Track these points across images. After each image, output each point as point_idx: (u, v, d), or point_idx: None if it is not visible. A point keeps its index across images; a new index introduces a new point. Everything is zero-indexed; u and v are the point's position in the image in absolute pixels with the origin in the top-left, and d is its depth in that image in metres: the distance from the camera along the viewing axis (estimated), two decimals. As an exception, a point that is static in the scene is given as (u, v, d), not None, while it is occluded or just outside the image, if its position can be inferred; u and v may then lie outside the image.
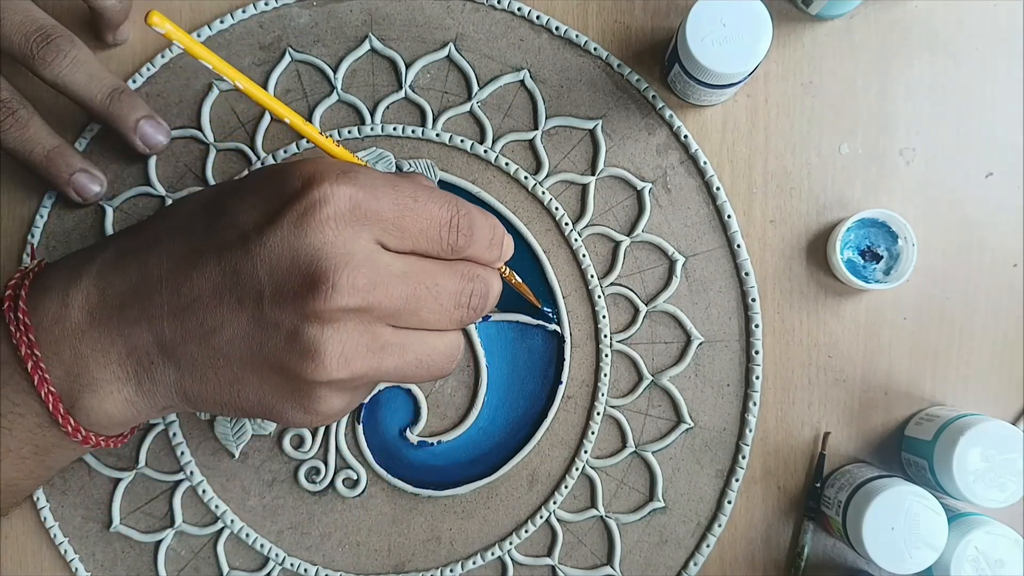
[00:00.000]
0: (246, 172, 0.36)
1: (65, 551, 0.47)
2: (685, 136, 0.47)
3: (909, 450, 0.46)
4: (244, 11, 0.47)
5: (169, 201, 0.47)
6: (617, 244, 0.47)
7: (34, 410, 0.36)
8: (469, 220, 0.35)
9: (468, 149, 0.47)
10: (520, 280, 0.44)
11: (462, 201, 0.35)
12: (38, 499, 0.47)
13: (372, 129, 0.47)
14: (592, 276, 0.47)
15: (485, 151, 0.47)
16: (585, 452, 0.47)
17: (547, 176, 0.47)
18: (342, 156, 0.36)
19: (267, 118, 0.47)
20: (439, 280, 0.35)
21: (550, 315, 0.47)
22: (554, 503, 0.47)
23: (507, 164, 0.47)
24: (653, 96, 0.47)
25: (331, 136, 0.46)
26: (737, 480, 0.47)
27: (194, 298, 0.34)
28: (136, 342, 0.35)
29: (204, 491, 0.47)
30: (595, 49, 0.47)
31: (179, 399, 0.36)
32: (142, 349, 0.35)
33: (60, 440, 0.37)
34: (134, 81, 0.47)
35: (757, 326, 0.47)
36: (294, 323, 0.32)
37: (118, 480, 0.47)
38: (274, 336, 0.33)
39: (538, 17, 0.47)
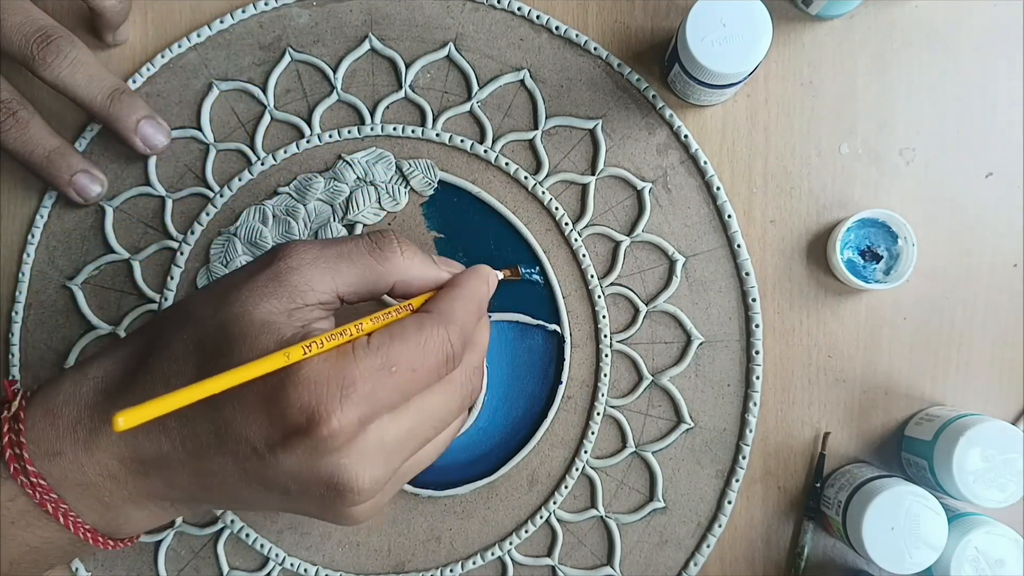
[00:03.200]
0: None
1: (65, 551, 0.47)
2: (685, 136, 0.47)
3: (909, 450, 0.46)
4: (244, 11, 0.47)
5: (169, 203, 0.47)
6: (617, 244, 0.47)
7: (68, 538, 0.36)
8: (463, 338, 0.35)
9: (468, 149, 0.47)
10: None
11: (452, 319, 0.35)
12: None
13: (372, 129, 0.47)
14: (592, 276, 0.47)
15: (485, 151, 0.47)
16: (585, 452, 0.47)
17: (547, 176, 0.47)
18: (328, 348, 0.33)
19: (267, 118, 0.47)
20: (444, 413, 0.36)
21: (532, 274, 0.47)
22: (554, 503, 0.47)
23: (507, 164, 0.47)
24: (653, 96, 0.47)
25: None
26: (737, 480, 0.47)
27: (219, 481, 0.34)
28: (169, 498, 0.36)
29: (204, 491, 0.47)
30: (595, 49, 0.47)
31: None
32: (176, 501, 0.36)
33: (92, 550, 0.37)
34: (134, 81, 0.47)
35: (757, 326, 0.47)
36: (327, 509, 0.34)
37: (118, 480, 0.47)
38: (309, 507, 0.35)
39: (538, 17, 0.47)
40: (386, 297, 0.39)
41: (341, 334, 0.33)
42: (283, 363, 0.31)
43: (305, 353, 0.31)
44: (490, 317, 0.47)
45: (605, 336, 0.47)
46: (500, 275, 0.42)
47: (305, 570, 0.47)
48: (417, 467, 0.37)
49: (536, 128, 0.47)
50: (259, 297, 0.34)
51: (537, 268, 0.47)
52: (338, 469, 0.32)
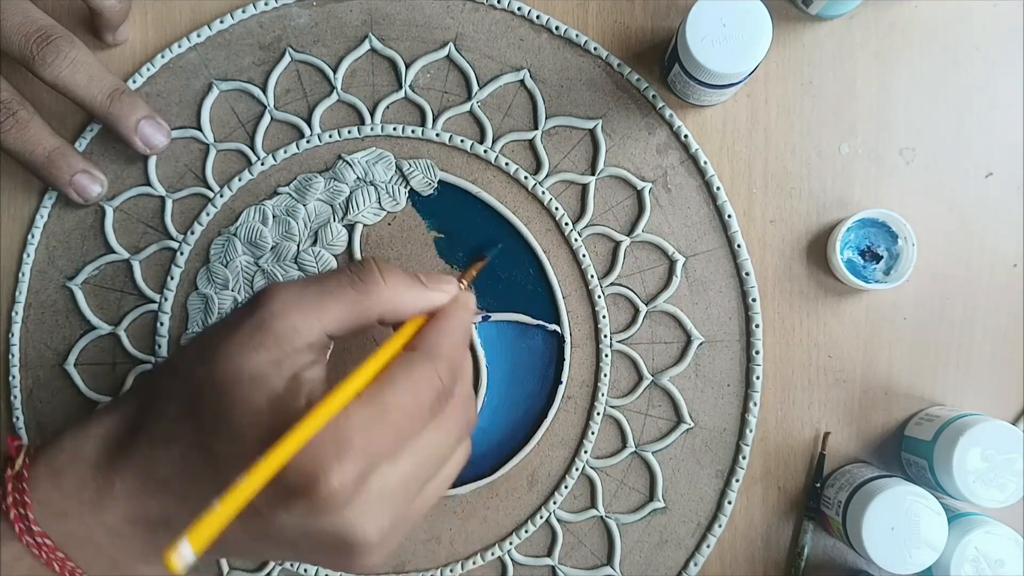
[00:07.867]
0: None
1: (65, 551, 0.47)
2: (685, 136, 0.47)
3: (909, 450, 0.46)
4: (244, 11, 0.47)
5: (169, 203, 0.47)
6: (617, 244, 0.47)
7: None
8: (452, 372, 0.34)
9: (468, 149, 0.47)
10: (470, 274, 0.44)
11: (439, 354, 0.34)
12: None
13: (372, 129, 0.47)
14: (592, 276, 0.47)
15: (485, 151, 0.47)
16: (585, 452, 0.47)
17: (547, 176, 0.47)
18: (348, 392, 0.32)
19: (267, 118, 0.47)
20: (443, 449, 0.35)
21: (494, 250, 0.47)
22: (554, 503, 0.47)
23: (507, 164, 0.47)
24: (653, 96, 0.47)
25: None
26: (737, 480, 0.47)
27: (225, 536, 0.33)
28: None
29: (204, 491, 0.47)
30: (595, 49, 0.47)
31: None
32: None
33: None
34: (134, 81, 0.47)
35: (757, 326, 0.47)
36: (339, 563, 0.34)
37: (118, 480, 0.47)
38: (321, 560, 0.34)
39: (538, 17, 0.47)
40: None
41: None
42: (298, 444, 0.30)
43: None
44: (490, 317, 0.47)
45: (605, 336, 0.47)
46: (465, 284, 0.40)
47: (305, 570, 0.47)
48: (425, 505, 0.36)
49: (536, 128, 0.47)
50: (246, 349, 0.33)
51: (499, 245, 0.47)
52: (344, 527, 0.32)
